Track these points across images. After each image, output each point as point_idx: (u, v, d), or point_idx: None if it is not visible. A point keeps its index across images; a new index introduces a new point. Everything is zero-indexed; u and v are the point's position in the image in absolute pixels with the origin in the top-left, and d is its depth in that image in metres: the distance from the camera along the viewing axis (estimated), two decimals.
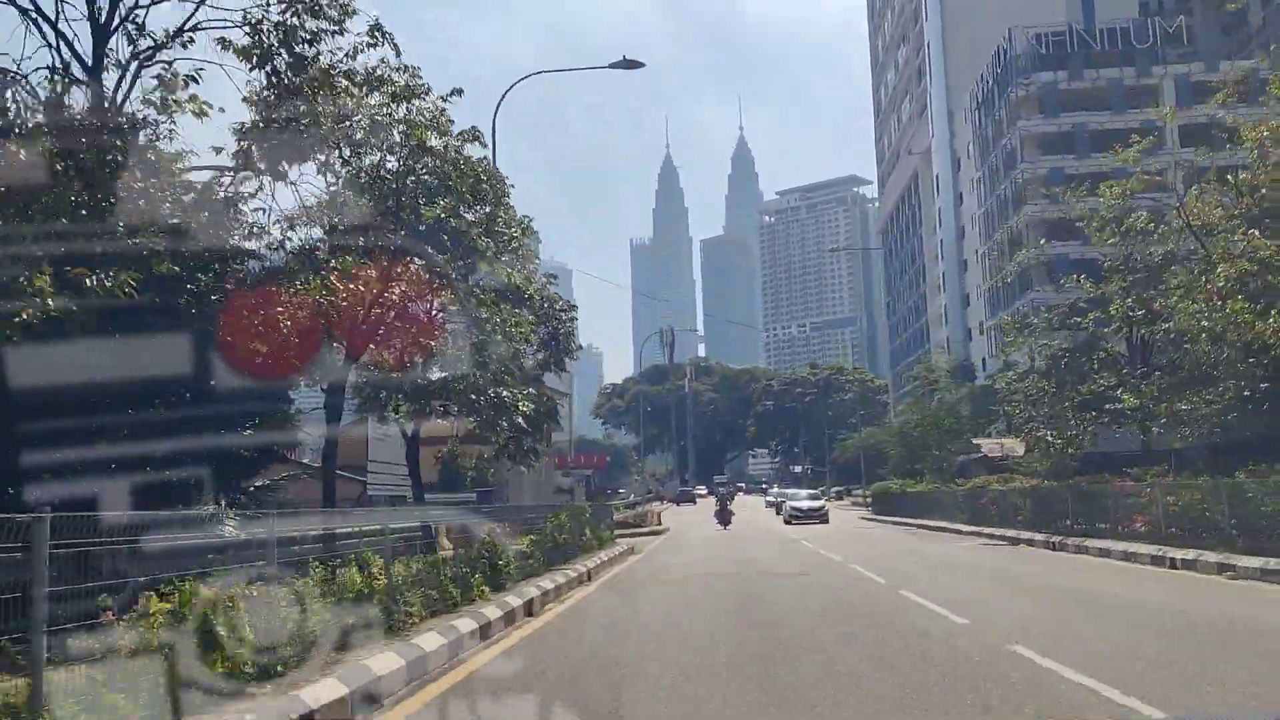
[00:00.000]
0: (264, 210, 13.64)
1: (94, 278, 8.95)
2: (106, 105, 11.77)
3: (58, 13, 11.95)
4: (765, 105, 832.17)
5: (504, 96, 24.98)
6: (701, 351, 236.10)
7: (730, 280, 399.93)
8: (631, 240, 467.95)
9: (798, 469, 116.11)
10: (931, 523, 35.52)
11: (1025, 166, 69.99)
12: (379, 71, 13.80)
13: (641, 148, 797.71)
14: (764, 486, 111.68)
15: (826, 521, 42.94)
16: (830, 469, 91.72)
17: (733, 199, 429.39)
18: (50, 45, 11.88)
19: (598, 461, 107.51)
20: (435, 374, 16.25)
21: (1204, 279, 19.95)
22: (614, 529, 28.44)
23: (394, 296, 13.74)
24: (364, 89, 13.55)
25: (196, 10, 12.37)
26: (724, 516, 39.91)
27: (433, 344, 14.67)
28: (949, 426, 46.63)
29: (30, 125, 10.40)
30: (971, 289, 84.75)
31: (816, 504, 46.22)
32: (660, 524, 43.26)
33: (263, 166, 12.95)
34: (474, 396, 15.55)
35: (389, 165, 14.77)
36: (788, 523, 43.39)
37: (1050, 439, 25.31)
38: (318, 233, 14.15)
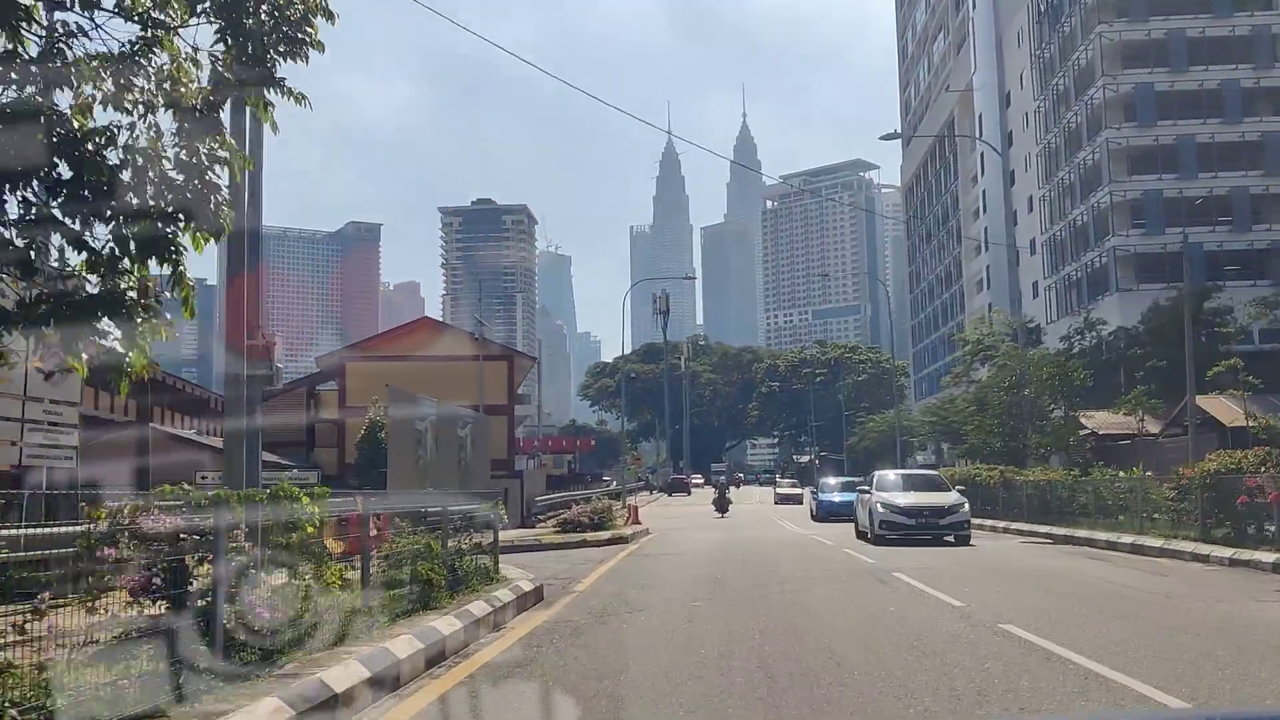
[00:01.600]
0: None
1: None
2: None
3: None
4: (768, 94, 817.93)
5: None
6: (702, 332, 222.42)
7: (731, 268, 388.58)
8: (632, 228, 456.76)
9: (804, 458, 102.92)
10: (1127, 539, 19.09)
11: (1105, 82, 56.43)
12: None
13: (642, 135, 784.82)
14: (774, 475, 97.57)
15: (967, 539, 21.38)
16: (848, 457, 78.26)
17: (734, 187, 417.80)
18: None
19: (581, 445, 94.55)
20: None
21: None
22: (497, 549, 13.12)
23: None
24: None
25: None
26: (722, 504, 40.83)
27: None
28: (1080, 383, 31.12)
29: None
30: (1023, 244, 71.21)
31: (943, 500, 22.09)
32: (637, 523, 28.71)
33: None
34: None
35: None
36: (874, 538, 21.88)
37: None
38: None
